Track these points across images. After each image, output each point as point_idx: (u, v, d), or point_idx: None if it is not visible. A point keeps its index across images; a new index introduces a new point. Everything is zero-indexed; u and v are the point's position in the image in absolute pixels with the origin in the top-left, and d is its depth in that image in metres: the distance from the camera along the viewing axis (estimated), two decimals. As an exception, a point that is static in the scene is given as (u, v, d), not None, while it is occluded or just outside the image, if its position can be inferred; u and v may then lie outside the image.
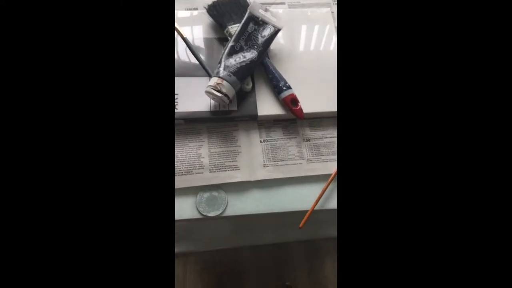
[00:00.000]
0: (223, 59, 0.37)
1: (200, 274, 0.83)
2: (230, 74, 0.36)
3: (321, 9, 0.47)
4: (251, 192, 0.36)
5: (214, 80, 0.36)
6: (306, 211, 0.35)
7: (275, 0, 0.48)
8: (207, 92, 0.36)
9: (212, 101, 0.38)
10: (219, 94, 0.35)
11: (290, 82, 0.39)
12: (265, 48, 0.39)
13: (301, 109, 0.38)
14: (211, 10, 0.44)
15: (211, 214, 0.34)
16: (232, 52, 0.38)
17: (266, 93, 0.39)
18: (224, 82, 0.35)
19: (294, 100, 0.38)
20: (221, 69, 0.36)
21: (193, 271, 0.83)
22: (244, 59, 0.38)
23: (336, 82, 0.40)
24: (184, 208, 0.34)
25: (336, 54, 0.42)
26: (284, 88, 0.39)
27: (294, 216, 0.35)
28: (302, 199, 0.36)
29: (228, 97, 0.36)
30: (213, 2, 0.44)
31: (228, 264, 0.83)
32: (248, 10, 0.41)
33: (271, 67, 0.40)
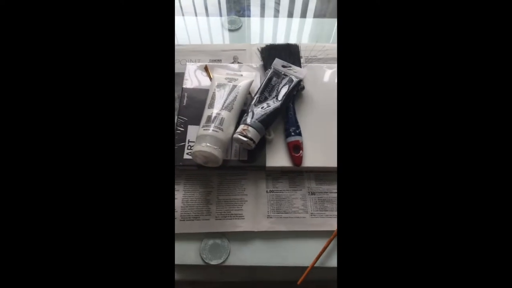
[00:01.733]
0: (249, 109, 0.40)
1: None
2: (255, 121, 0.39)
3: (334, 65, 0.49)
4: (253, 243, 0.37)
5: (241, 127, 0.39)
6: (306, 267, 0.35)
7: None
8: (235, 138, 0.38)
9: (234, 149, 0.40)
10: (245, 139, 0.38)
11: (305, 131, 0.42)
12: (288, 97, 0.42)
13: (300, 157, 0.39)
14: (264, 52, 0.49)
15: (213, 262, 0.35)
16: (258, 102, 0.41)
17: (280, 142, 0.41)
18: (250, 128, 0.38)
19: (296, 147, 0.40)
20: (248, 117, 0.39)
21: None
22: (269, 108, 0.40)
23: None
24: (188, 254, 0.36)
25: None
26: (293, 133, 0.41)
27: (294, 272, 0.36)
28: (303, 254, 0.36)
29: (254, 142, 0.38)
30: (267, 45, 0.49)
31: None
32: (272, 67, 0.44)
33: (290, 112, 0.43)
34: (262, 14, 0.79)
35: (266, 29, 0.59)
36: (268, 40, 0.55)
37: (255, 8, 0.79)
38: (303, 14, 0.87)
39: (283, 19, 0.61)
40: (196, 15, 0.60)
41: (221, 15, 0.65)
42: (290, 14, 0.83)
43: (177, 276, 0.35)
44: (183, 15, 0.58)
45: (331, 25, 0.60)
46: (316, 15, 0.95)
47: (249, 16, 0.68)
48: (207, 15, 0.60)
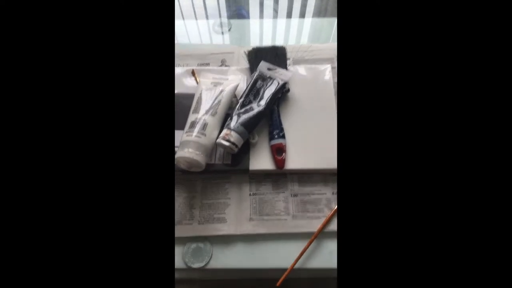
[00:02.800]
0: (234, 113, 0.41)
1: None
2: (239, 125, 0.39)
3: (322, 66, 0.49)
4: (235, 246, 0.37)
5: (224, 132, 0.39)
6: (286, 269, 0.35)
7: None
8: (218, 143, 0.39)
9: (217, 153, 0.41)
10: (227, 144, 0.38)
11: (289, 133, 0.42)
12: (271, 100, 0.42)
13: (283, 160, 0.40)
14: (250, 55, 0.49)
15: (195, 265, 0.36)
16: (242, 106, 0.42)
17: (264, 145, 0.42)
18: (233, 133, 0.39)
19: (279, 150, 0.40)
20: (232, 122, 0.40)
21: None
22: (252, 112, 0.41)
23: (328, 140, 0.41)
24: (172, 257, 0.37)
25: (332, 114, 0.44)
26: (276, 136, 0.41)
27: (275, 273, 0.36)
28: (284, 255, 0.36)
29: (237, 146, 0.39)
30: (253, 48, 0.49)
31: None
32: (258, 70, 0.44)
33: (275, 115, 0.43)
34: (261, 16, 0.79)
35: (259, 31, 0.59)
36: (265, 42, 0.55)
37: (253, 8, 0.79)
38: (302, 14, 0.86)
39: (279, 20, 0.61)
40: (183, 18, 0.61)
41: (207, 18, 0.65)
42: (289, 14, 0.82)
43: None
44: (183, 18, 0.59)
45: (330, 24, 0.59)
46: (315, 15, 0.94)
47: (246, 17, 0.68)
48: (196, 18, 0.61)
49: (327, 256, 0.36)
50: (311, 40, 0.57)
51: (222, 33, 0.57)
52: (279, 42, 0.51)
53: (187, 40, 0.57)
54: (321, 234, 0.37)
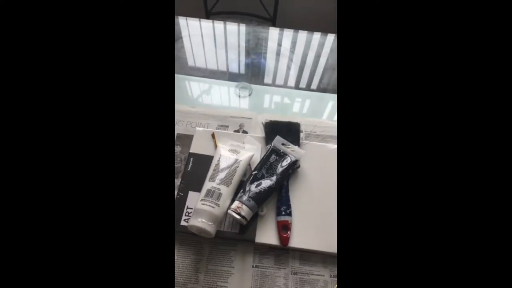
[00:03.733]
0: (246, 186, 0.44)
1: None
2: (250, 199, 0.43)
3: (334, 145, 0.53)
4: (234, 317, 0.40)
5: (235, 204, 0.42)
6: None
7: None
8: (229, 214, 0.42)
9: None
10: (238, 217, 0.41)
11: (296, 210, 0.45)
12: (283, 176, 0.46)
13: (287, 238, 0.42)
14: (267, 127, 0.53)
15: (194, 333, 0.38)
16: (254, 179, 0.45)
17: (271, 218, 0.45)
18: (244, 206, 0.42)
19: (285, 227, 0.43)
20: (243, 195, 0.43)
21: None
22: (264, 186, 0.44)
23: (330, 222, 0.44)
24: (173, 322, 0.39)
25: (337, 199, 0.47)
26: (283, 213, 0.44)
27: None
28: (279, 334, 0.38)
29: (246, 219, 0.42)
30: (270, 121, 0.54)
31: None
32: (272, 144, 0.48)
33: (283, 190, 0.46)
34: (277, 60, 0.83)
35: (274, 99, 0.64)
36: (277, 110, 0.60)
37: (270, 54, 0.83)
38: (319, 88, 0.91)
39: (293, 91, 0.66)
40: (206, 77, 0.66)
41: (239, 56, 0.71)
42: (297, 87, 0.86)
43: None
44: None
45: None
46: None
47: (263, 63, 0.74)
48: (218, 78, 0.66)
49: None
50: (321, 114, 0.61)
51: (242, 96, 0.62)
52: (302, 111, 0.55)
53: (209, 98, 0.62)
54: (315, 315, 0.39)
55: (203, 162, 0.49)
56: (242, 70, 0.70)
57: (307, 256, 0.43)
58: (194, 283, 0.41)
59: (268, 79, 0.68)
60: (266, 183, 0.45)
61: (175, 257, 0.43)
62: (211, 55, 0.72)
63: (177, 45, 0.72)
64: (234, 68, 0.69)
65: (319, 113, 0.61)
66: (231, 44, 0.76)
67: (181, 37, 0.74)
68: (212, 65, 0.70)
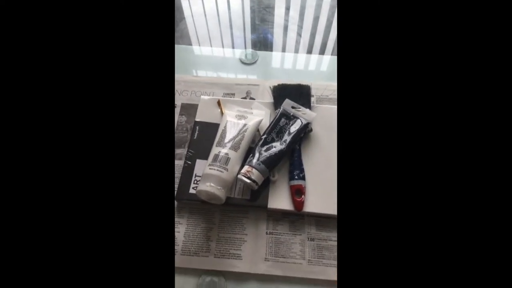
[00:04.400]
0: (256, 149, 0.42)
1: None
2: (260, 163, 0.40)
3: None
4: (249, 284, 0.38)
5: (245, 168, 0.40)
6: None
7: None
8: (239, 179, 0.40)
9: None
10: (248, 181, 0.39)
11: (309, 175, 0.42)
12: (294, 140, 0.43)
13: (301, 202, 0.40)
14: (275, 90, 0.50)
15: (208, 301, 0.36)
16: (264, 143, 0.43)
17: (284, 183, 0.42)
18: (254, 170, 0.39)
19: (299, 191, 0.41)
20: (254, 158, 0.41)
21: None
22: (274, 150, 0.42)
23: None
24: (185, 290, 0.37)
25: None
26: (296, 177, 0.42)
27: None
28: (297, 300, 0.36)
29: (257, 183, 0.39)
30: (279, 85, 0.51)
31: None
32: (281, 108, 0.45)
33: (296, 154, 0.44)
34: (285, 35, 0.80)
35: (284, 64, 0.60)
36: (285, 75, 0.57)
37: (277, 28, 0.80)
38: (322, 51, 0.87)
39: (302, 55, 0.62)
40: (211, 45, 0.63)
41: (232, 47, 0.67)
42: (309, 51, 0.84)
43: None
44: (199, 45, 0.60)
45: None
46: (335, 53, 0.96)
47: (270, 39, 0.70)
48: (223, 46, 0.63)
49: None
50: (332, 78, 0.58)
51: (248, 63, 0.59)
52: (309, 77, 0.52)
53: (214, 67, 0.59)
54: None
55: (210, 130, 0.46)
56: (249, 44, 0.66)
57: (324, 221, 0.41)
58: (205, 251, 0.39)
59: (276, 47, 0.65)
60: (276, 147, 0.42)
61: (185, 227, 0.41)
62: (216, 32, 0.68)
63: (180, 26, 0.69)
64: (239, 44, 0.66)
65: (331, 77, 0.57)
66: (235, 21, 0.72)
67: (184, 18, 0.70)
68: (216, 43, 0.67)
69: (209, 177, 0.39)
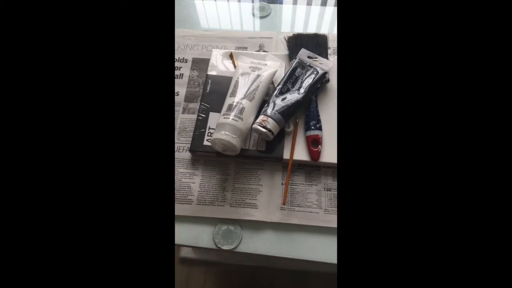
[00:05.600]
0: (271, 100, 0.41)
1: (219, 284, 0.86)
2: (275, 112, 0.39)
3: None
4: (265, 233, 0.38)
5: (260, 118, 0.39)
6: (315, 262, 0.35)
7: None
8: (254, 128, 0.39)
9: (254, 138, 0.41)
10: (263, 130, 0.38)
11: (326, 126, 0.41)
12: (310, 90, 0.41)
13: (318, 152, 0.39)
14: (290, 41, 0.48)
15: (225, 247, 0.37)
16: (280, 93, 0.41)
17: (300, 135, 0.41)
18: (269, 120, 0.38)
19: (315, 141, 0.40)
20: (268, 108, 0.40)
21: (213, 279, 0.87)
22: (290, 99, 0.40)
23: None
24: (202, 237, 0.38)
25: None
26: (313, 127, 0.40)
27: (302, 264, 0.36)
28: (313, 248, 0.36)
29: (273, 133, 0.39)
30: (294, 35, 0.48)
31: (246, 281, 0.86)
32: (297, 58, 0.43)
33: (312, 105, 0.42)
34: (295, 2, 0.76)
35: (296, 17, 0.57)
36: (298, 29, 0.54)
37: None
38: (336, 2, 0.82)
39: (315, 7, 0.59)
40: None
41: (252, 1, 0.63)
42: (324, 3, 0.79)
43: (191, 255, 0.37)
44: None
45: None
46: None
47: (280, 2, 0.67)
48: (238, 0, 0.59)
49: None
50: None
51: (261, 17, 0.56)
52: (323, 30, 0.50)
53: (227, 22, 0.56)
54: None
55: (222, 83, 0.45)
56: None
57: (341, 172, 0.40)
58: (221, 201, 0.39)
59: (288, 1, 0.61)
60: (292, 96, 0.41)
61: (200, 178, 0.41)
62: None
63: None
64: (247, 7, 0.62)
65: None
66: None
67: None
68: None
69: (224, 126, 0.38)
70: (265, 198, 0.39)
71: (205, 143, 0.41)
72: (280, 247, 0.37)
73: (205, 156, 0.42)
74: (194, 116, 0.44)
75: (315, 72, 0.43)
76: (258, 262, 0.71)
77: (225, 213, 0.38)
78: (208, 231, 0.38)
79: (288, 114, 0.40)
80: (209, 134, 0.42)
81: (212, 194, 0.39)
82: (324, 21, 0.56)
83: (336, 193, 0.39)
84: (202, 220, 0.38)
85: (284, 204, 0.38)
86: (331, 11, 0.58)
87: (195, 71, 0.49)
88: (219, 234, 0.38)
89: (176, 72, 0.49)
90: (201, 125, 0.43)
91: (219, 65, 0.48)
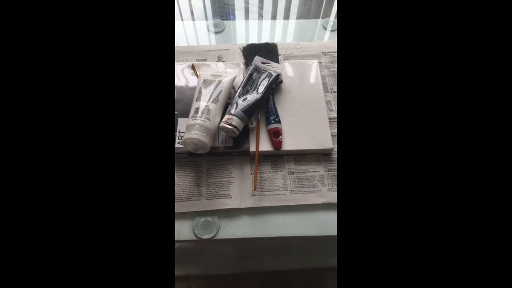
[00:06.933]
0: (233, 101, 0.46)
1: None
2: (239, 111, 0.44)
3: (310, 61, 0.54)
4: (240, 219, 0.41)
5: (226, 117, 0.43)
6: (287, 237, 0.40)
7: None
8: (221, 127, 0.43)
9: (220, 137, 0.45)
10: (229, 127, 0.42)
11: (284, 119, 0.47)
12: (267, 90, 0.47)
13: (280, 142, 0.45)
14: (245, 50, 0.54)
15: (205, 236, 0.40)
16: (241, 95, 0.46)
17: (262, 130, 0.46)
18: (234, 117, 0.43)
19: (276, 133, 0.45)
20: (232, 108, 0.44)
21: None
22: (250, 99, 0.45)
23: (319, 124, 0.46)
24: (182, 231, 0.40)
25: (320, 102, 0.49)
26: (273, 121, 0.46)
27: (276, 240, 0.40)
28: (284, 225, 0.41)
29: (238, 129, 0.43)
30: (248, 45, 0.55)
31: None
32: (253, 64, 0.49)
33: (270, 103, 0.48)
34: (246, 17, 0.84)
35: (248, 31, 0.64)
36: (252, 41, 0.60)
37: (239, 12, 0.84)
38: (286, 16, 0.92)
39: (266, 21, 0.66)
40: (182, 19, 0.65)
41: (206, 19, 0.69)
42: (274, 17, 0.88)
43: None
44: (182, 19, 0.62)
45: (314, 25, 0.65)
46: (298, 17, 1.01)
47: (233, 19, 0.73)
48: (193, 19, 0.65)
49: (323, 225, 0.41)
50: (296, 40, 0.62)
51: (216, 32, 0.62)
52: (270, 40, 0.56)
53: (184, 40, 0.61)
54: (318, 206, 0.42)
55: (187, 92, 0.49)
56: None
57: (301, 157, 0.45)
58: (197, 196, 0.42)
59: (239, 15, 0.68)
60: (252, 96, 0.46)
61: (176, 178, 0.44)
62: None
63: None
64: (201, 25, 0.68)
65: (298, 39, 0.62)
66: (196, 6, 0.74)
67: None
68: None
69: (193, 127, 0.42)
70: (237, 188, 0.43)
71: (177, 145, 0.45)
72: (255, 229, 0.41)
73: (178, 157, 0.45)
74: (164, 124, 0.48)
75: (269, 75, 0.49)
76: (241, 267, 0.73)
77: (202, 206, 0.42)
78: (188, 225, 0.41)
79: (250, 111, 0.45)
80: (180, 137, 0.45)
81: (188, 191, 0.43)
82: (276, 33, 0.64)
83: (298, 175, 0.44)
84: (181, 215, 0.41)
85: (254, 190, 0.42)
86: (281, 23, 0.66)
87: (160, 83, 0.53)
88: (198, 225, 0.41)
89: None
90: (171, 130, 0.46)
91: (182, 77, 0.52)
